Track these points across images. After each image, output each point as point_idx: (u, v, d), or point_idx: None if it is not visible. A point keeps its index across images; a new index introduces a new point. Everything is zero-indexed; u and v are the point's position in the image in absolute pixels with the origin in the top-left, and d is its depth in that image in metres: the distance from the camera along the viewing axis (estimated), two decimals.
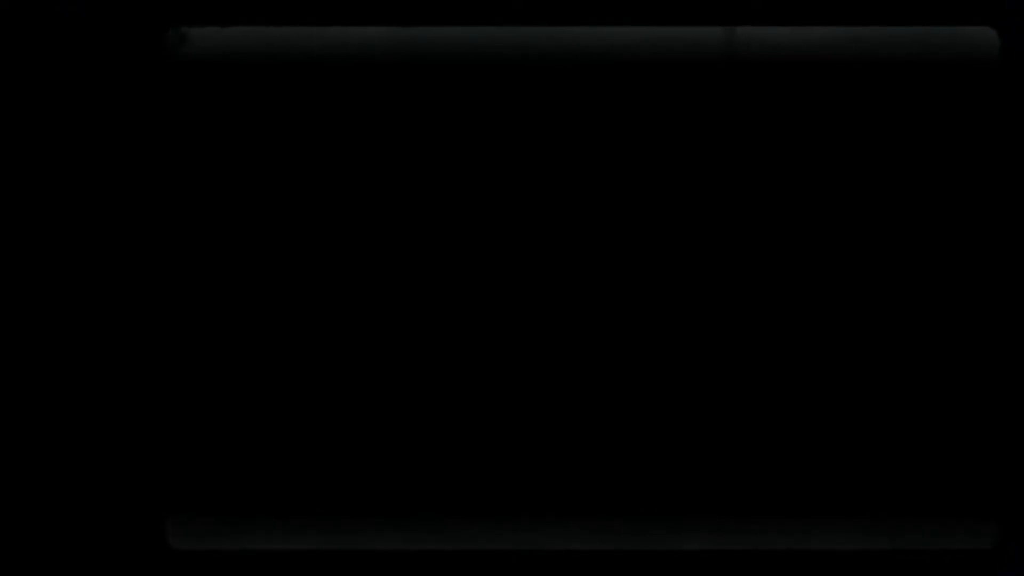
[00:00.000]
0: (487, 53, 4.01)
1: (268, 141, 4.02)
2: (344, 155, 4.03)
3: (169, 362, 4.01)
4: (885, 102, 3.99)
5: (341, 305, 4.01)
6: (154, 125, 4.00)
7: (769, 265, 3.99)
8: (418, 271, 4.01)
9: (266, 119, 4.02)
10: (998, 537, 3.94)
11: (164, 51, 4.00)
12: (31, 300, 3.98)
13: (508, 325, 4.00)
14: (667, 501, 3.99)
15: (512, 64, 4.01)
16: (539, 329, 4.00)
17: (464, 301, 4.01)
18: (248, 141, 4.02)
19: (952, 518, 3.96)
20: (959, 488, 3.96)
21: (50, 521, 3.97)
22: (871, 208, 3.99)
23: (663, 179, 4.01)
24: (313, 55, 4.01)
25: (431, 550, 3.99)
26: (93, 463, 3.97)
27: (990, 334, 3.96)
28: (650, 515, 3.99)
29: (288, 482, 4.01)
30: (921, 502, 3.97)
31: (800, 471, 3.98)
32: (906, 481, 3.97)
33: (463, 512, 4.01)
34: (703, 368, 3.99)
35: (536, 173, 4.02)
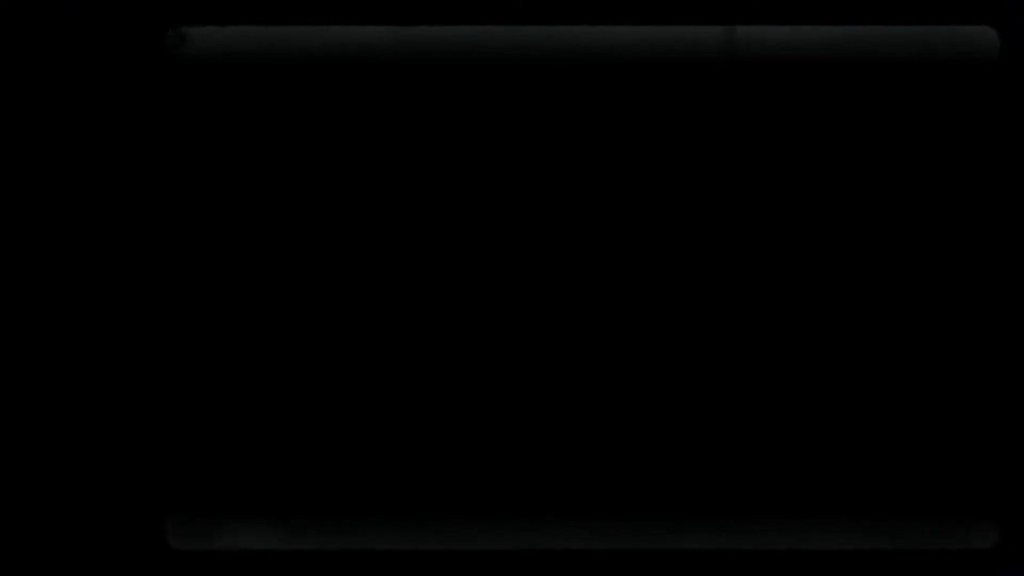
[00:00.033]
0: (487, 53, 4.01)
1: (268, 141, 4.02)
2: (344, 155, 4.03)
3: (169, 362, 4.01)
4: (885, 102, 3.99)
5: (341, 305, 4.01)
6: (154, 125, 4.00)
7: (769, 265, 3.99)
8: (418, 271, 4.01)
9: (266, 119, 4.02)
10: (998, 537, 3.94)
11: (164, 51, 4.00)
12: (31, 300, 3.98)
13: (508, 325, 4.00)
14: (667, 501, 3.99)
15: (512, 64, 4.01)
16: (539, 329, 4.00)
17: (464, 301, 4.01)
18: (248, 141, 4.02)
19: (952, 518, 3.96)
20: (959, 488, 3.96)
21: (50, 521, 3.97)
22: (871, 208, 3.99)
23: (663, 179, 4.01)
24: (313, 55, 4.01)
25: (431, 550, 3.99)
26: (93, 463, 3.97)
27: (990, 334, 3.96)
28: (650, 515, 3.99)
29: (288, 482, 4.00)
30: (921, 502, 3.97)
31: (800, 471, 3.98)
32: (906, 481, 3.97)
33: (463, 512, 4.01)
34: (703, 368, 3.99)
35: (536, 173, 4.02)
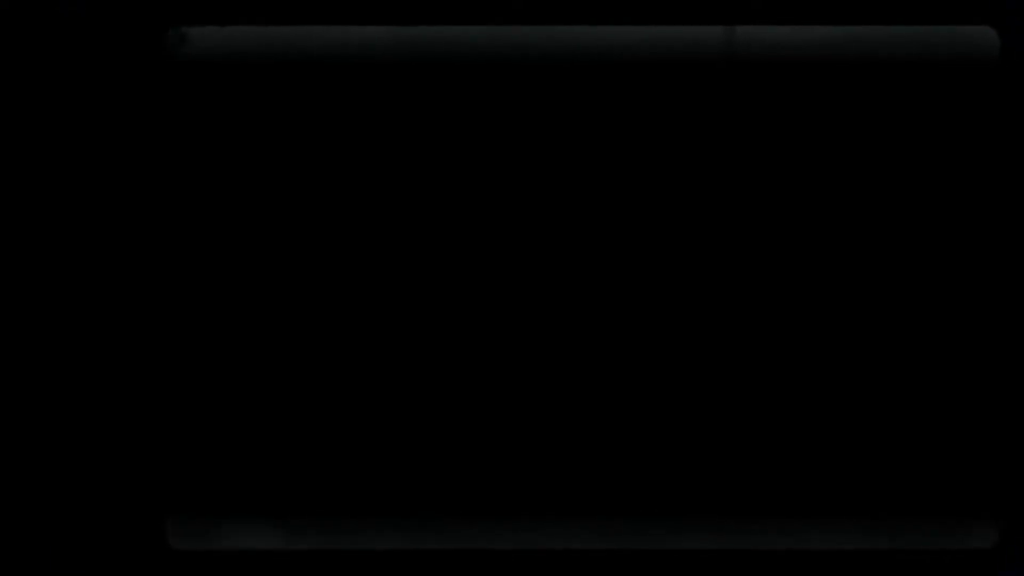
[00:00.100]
0: (487, 53, 4.01)
1: (268, 141, 4.02)
2: (344, 155, 4.03)
3: (169, 362, 4.01)
4: (885, 102, 3.99)
5: (341, 305, 4.01)
6: (154, 125, 4.00)
7: (769, 265, 3.99)
8: (418, 271, 4.01)
9: (266, 119, 4.02)
10: (998, 537, 3.94)
11: (164, 51, 4.00)
12: (31, 300, 3.98)
13: (508, 325, 4.00)
14: (667, 501, 3.99)
15: (512, 64, 4.01)
16: (539, 329, 4.00)
17: (464, 301, 4.01)
18: (248, 141, 4.02)
19: (952, 518, 3.96)
20: (959, 488, 3.96)
21: (50, 521, 3.97)
22: (871, 208, 3.99)
23: (663, 179, 4.01)
24: (313, 55, 4.01)
25: (431, 550, 3.99)
26: (93, 463, 3.97)
27: (990, 334, 3.96)
28: (650, 515, 3.99)
29: (288, 482, 4.00)
30: (921, 502, 3.97)
31: (800, 471, 3.98)
32: (906, 481, 3.97)
33: (463, 512, 4.01)
34: (703, 368, 3.99)
35: (536, 173, 4.02)
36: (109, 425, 3.97)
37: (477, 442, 4.01)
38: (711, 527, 3.99)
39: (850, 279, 3.98)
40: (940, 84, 3.97)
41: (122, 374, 3.98)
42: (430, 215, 4.02)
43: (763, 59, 3.98)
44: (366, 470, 4.01)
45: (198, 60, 4.01)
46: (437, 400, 4.01)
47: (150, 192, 4.00)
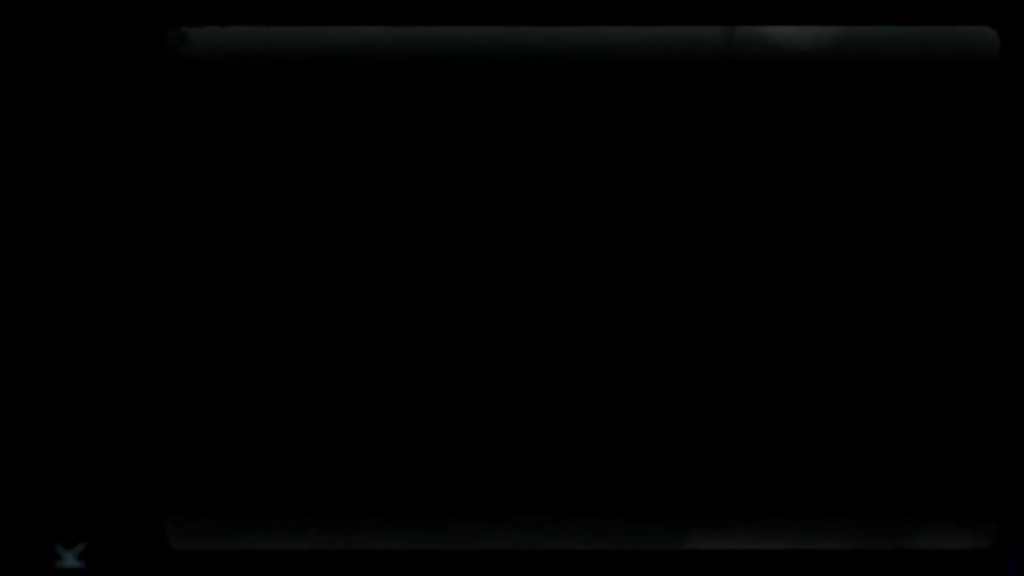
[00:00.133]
0: (487, 53, 4.01)
1: (268, 141, 4.02)
2: (344, 155, 4.03)
3: (169, 362, 4.01)
4: (885, 102, 3.99)
5: (341, 305, 4.01)
6: (154, 125, 4.00)
7: (769, 265, 3.99)
8: (418, 271, 4.01)
9: (266, 119, 4.02)
10: (998, 537, 3.94)
11: (164, 51, 4.00)
12: (31, 300, 3.98)
13: (508, 325, 4.00)
14: (667, 501, 3.99)
15: (512, 64, 4.01)
16: (539, 329, 4.00)
17: (464, 301, 4.01)
18: (248, 141, 4.02)
19: (952, 518, 3.96)
20: (959, 488, 3.96)
21: (50, 521, 3.97)
22: (871, 208, 3.99)
23: (663, 179, 4.01)
24: (313, 55, 4.01)
25: (431, 550, 3.99)
26: (93, 463, 3.97)
27: (990, 334, 3.96)
28: (650, 515, 3.99)
29: (288, 482, 4.00)
30: (921, 502, 3.97)
31: (800, 471, 3.98)
32: (906, 481, 3.97)
33: (463, 512, 4.01)
34: (703, 368, 3.99)
35: (536, 173, 4.02)
36: (109, 425, 3.97)
37: (477, 442, 4.01)
38: (711, 527, 3.99)
39: (850, 279, 3.98)
40: (940, 84, 3.97)
41: (122, 374, 3.98)
42: (430, 215, 4.02)
43: (763, 59, 3.98)
44: (366, 470, 4.01)
45: (198, 60, 4.01)
46: (437, 400, 4.01)
47: (150, 192, 4.00)
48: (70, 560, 3.96)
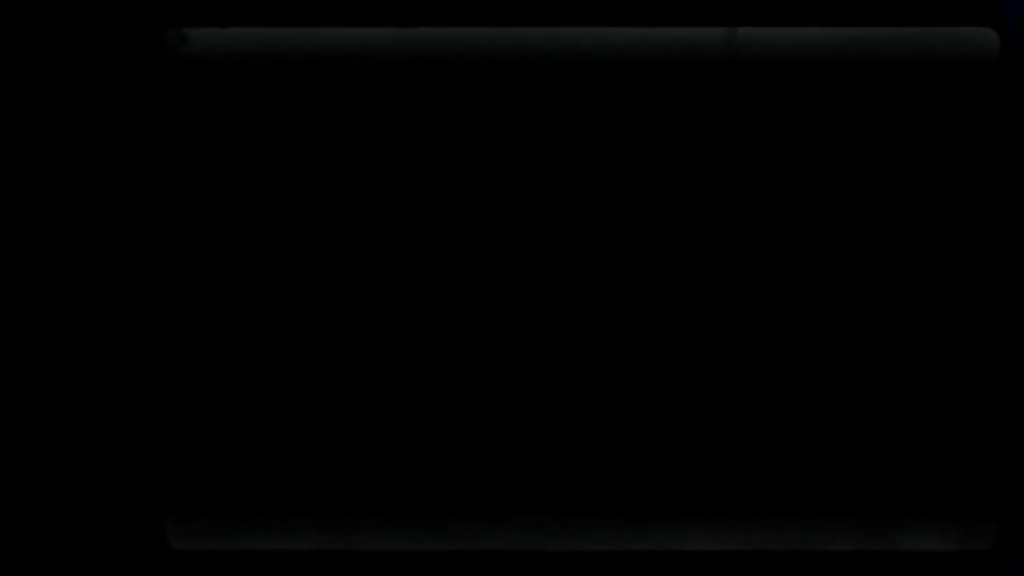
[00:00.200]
0: (487, 53, 4.01)
1: (268, 141, 4.02)
2: (344, 155, 4.02)
3: (169, 362, 4.01)
4: (885, 102, 3.99)
5: (341, 305, 4.01)
6: (154, 125, 4.00)
7: (769, 265, 3.99)
8: (418, 271, 4.01)
9: (266, 119, 4.02)
10: (998, 537, 3.95)
11: (164, 51, 4.00)
12: (31, 300, 3.98)
13: (508, 325, 4.01)
14: (667, 501, 3.99)
15: (512, 64, 4.01)
16: (539, 329, 4.01)
17: (464, 301, 4.01)
18: (248, 141, 4.02)
19: (952, 518, 3.97)
20: (959, 488, 3.96)
21: (50, 521, 3.97)
22: (871, 208, 3.99)
23: (664, 180, 4.01)
24: (313, 55, 4.01)
25: (431, 550, 3.99)
26: (93, 463, 3.97)
27: (990, 334, 3.96)
28: (650, 515, 4.00)
29: (288, 482, 4.01)
30: (921, 502, 3.97)
31: (800, 471, 3.98)
32: (906, 481, 3.97)
33: (463, 512, 4.01)
34: (703, 368, 3.99)
35: (536, 174, 4.02)
36: (109, 425, 3.97)
37: (477, 442, 4.01)
38: (711, 527, 3.99)
39: (850, 279, 3.98)
40: (940, 85, 3.98)
41: (122, 374, 3.97)
42: (430, 216, 4.02)
43: (764, 60, 3.98)
44: (366, 470, 4.01)
45: (198, 60, 4.01)
46: (437, 400, 4.01)
47: (150, 192, 3.99)
48: None
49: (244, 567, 3.97)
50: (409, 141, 4.03)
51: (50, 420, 3.97)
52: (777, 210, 4.00)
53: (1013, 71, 3.97)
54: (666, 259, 4.01)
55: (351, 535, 4.01)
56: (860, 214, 3.99)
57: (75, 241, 3.98)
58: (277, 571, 3.98)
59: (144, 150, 4.00)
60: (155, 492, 3.98)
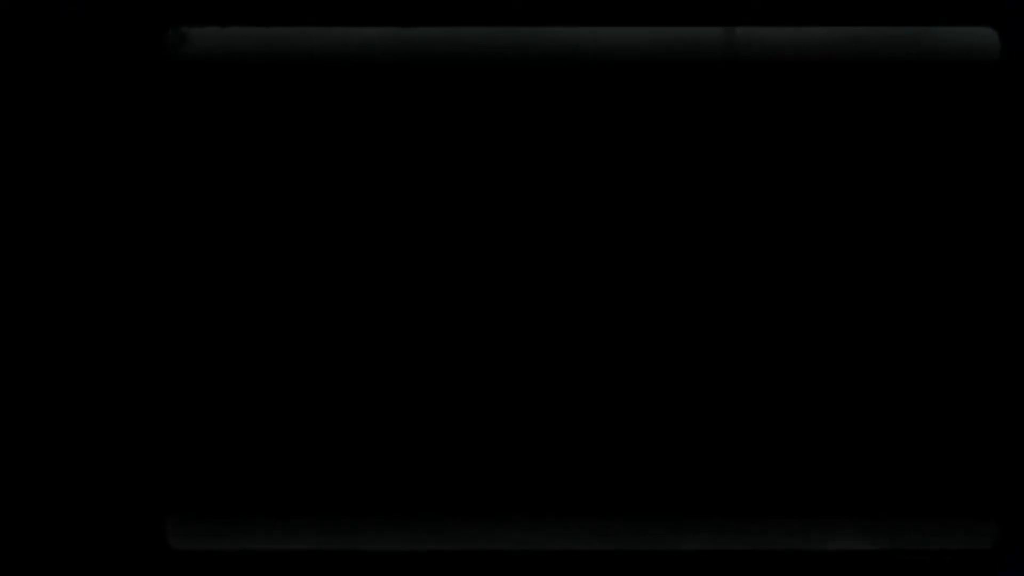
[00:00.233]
0: (487, 53, 4.01)
1: (268, 141, 4.02)
2: (344, 155, 4.03)
3: (169, 362, 4.01)
4: (885, 102, 3.99)
5: (341, 305, 4.01)
6: (154, 125, 4.00)
7: (769, 265, 3.99)
8: (418, 271, 4.01)
9: (266, 119, 4.02)
10: (998, 537, 3.95)
11: (164, 51, 4.00)
12: (31, 300, 3.98)
13: (508, 325, 4.00)
14: (667, 501, 3.99)
15: (512, 64, 4.01)
16: (539, 329, 4.00)
17: (464, 301, 4.01)
18: (248, 141, 4.02)
19: (952, 518, 3.97)
20: (959, 488, 3.96)
21: (50, 521, 3.97)
22: (871, 208, 3.99)
23: (664, 180, 4.01)
24: (313, 55, 4.01)
25: (431, 550, 3.99)
26: (93, 463, 3.97)
27: (990, 334, 3.96)
28: (650, 515, 4.00)
29: (288, 482, 4.01)
30: (921, 502, 3.97)
31: (800, 471, 3.98)
32: (906, 481, 3.97)
33: (463, 512, 4.01)
34: (703, 368, 3.99)
35: (536, 174, 4.02)
36: (109, 425, 3.97)
37: (477, 442, 4.01)
38: (711, 527, 3.99)
39: (850, 280, 3.98)
40: (940, 84, 3.98)
41: (122, 374, 3.98)
42: (430, 216, 4.02)
43: (763, 59, 3.98)
44: (366, 470, 4.01)
45: (198, 60, 4.01)
46: (437, 400, 4.01)
47: (150, 192, 3.99)
48: None
49: (244, 567, 3.97)
50: (409, 141, 4.03)
51: (50, 420, 3.97)
52: (777, 210, 4.00)
53: (1013, 71, 3.96)
54: (666, 259, 4.01)
55: (351, 535, 4.01)
56: (860, 214, 3.99)
57: (75, 241, 3.98)
58: (277, 571, 3.98)
59: (144, 149, 4.00)
60: (155, 492, 3.98)
